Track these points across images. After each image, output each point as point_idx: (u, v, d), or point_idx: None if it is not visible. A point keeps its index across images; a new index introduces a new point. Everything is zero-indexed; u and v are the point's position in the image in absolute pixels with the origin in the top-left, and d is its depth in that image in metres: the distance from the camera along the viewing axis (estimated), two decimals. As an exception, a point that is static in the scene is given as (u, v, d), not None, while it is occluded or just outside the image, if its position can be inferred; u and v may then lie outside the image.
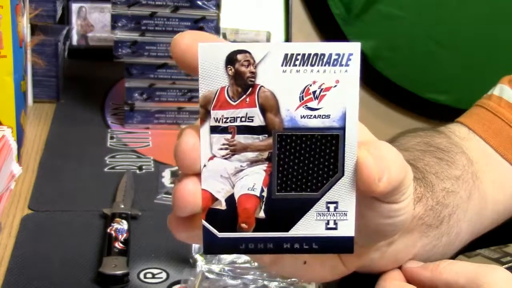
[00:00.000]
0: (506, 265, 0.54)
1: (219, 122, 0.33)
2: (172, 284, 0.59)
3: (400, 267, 0.50)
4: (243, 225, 0.35)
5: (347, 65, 0.33)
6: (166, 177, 0.78)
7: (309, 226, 0.35)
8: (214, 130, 0.33)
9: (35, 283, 0.57)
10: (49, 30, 1.00)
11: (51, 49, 0.97)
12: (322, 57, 0.33)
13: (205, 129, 0.33)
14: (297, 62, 0.33)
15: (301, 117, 0.33)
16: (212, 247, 0.35)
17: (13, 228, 0.66)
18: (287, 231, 0.35)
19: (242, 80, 0.33)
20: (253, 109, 0.33)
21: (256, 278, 0.56)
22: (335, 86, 0.33)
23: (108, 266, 0.58)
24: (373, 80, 1.54)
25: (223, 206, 0.34)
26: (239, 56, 0.33)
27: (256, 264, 0.57)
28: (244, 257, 0.57)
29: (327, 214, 0.35)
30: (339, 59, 0.33)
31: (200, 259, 0.56)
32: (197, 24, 0.89)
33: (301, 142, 0.34)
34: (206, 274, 0.56)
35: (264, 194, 0.34)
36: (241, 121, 0.33)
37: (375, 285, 0.49)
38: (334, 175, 0.34)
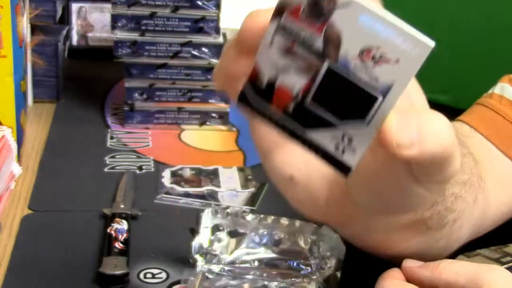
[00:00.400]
0: (506, 265, 0.54)
1: (287, 25, 0.36)
2: (172, 284, 0.59)
3: (399, 266, 0.50)
4: (274, 104, 0.38)
5: (413, 55, 0.34)
6: (166, 177, 0.78)
7: (323, 138, 0.38)
8: (279, 28, 0.36)
9: (35, 283, 0.57)
10: (49, 30, 1.00)
11: (51, 49, 0.97)
12: (396, 34, 0.34)
13: (274, 23, 0.36)
14: (373, 23, 0.34)
15: (354, 66, 0.35)
16: (244, 101, 0.39)
17: (13, 228, 0.66)
18: (307, 129, 0.38)
19: (319, 8, 0.35)
20: (317, 36, 0.36)
21: (256, 278, 0.56)
22: (395, 63, 0.34)
23: (108, 266, 0.58)
24: (373, 80, 1.53)
25: (263, 85, 0.38)
26: None
27: (256, 264, 0.57)
28: (244, 257, 0.57)
29: (340, 141, 0.37)
30: (410, 46, 0.34)
31: (200, 259, 0.56)
32: (197, 24, 0.89)
33: (344, 84, 0.36)
34: (206, 274, 0.56)
35: (299, 98, 0.37)
36: (303, 37, 0.36)
37: (375, 284, 0.49)
38: (359, 121, 0.36)
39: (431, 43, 0.33)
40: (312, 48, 0.36)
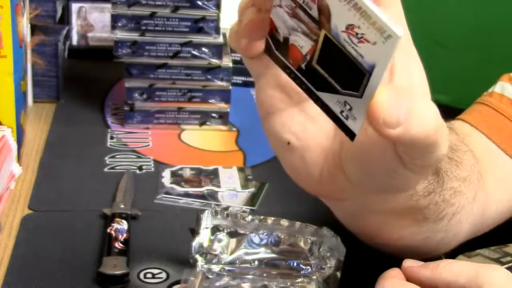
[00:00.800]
0: (506, 265, 0.54)
1: None
2: (172, 284, 0.59)
3: (398, 265, 0.50)
4: (291, 59, 0.40)
5: (384, 41, 0.34)
6: (166, 177, 0.78)
7: (330, 101, 0.39)
8: None
9: (35, 283, 0.57)
10: (49, 30, 1.00)
11: (51, 49, 0.97)
12: (370, 18, 0.34)
13: None
14: (354, 4, 0.35)
15: (343, 39, 0.36)
16: (269, 53, 0.42)
17: (13, 228, 0.66)
18: (317, 90, 0.40)
19: None
20: (313, 4, 0.37)
21: (256, 278, 0.56)
22: (373, 45, 0.35)
23: (108, 266, 0.58)
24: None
25: (281, 38, 0.41)
26: None
27: (256, 264, 0.57)
28: (244, 257, 0.57)
29: (343, 107, 0.38)
30: (381, 32, 0.34)
31: (200, 259, 0.56)
32: (197, 24, 0.89)
33: (339, 54, 0.37)
34: (206, 274, 0.56)
35: (307, 58, 0.39)
36: (303, 2, 0.38)
37: (375, 283, 0.49)
38: (355, 92, 0.37)
39: (399, 32, 0.34)
40: (311, 15, 0.38)
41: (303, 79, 0.40)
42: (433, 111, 0.38)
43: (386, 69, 0.35)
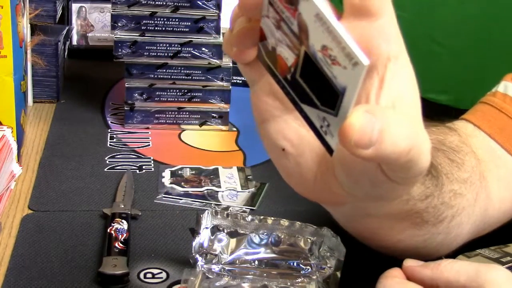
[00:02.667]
0: (506, 265, 0.54)
1: (274, 2, 0.39)
2: (172, 284, 0.59)
3: (399, 265, 0.50)
4: (279, 69, 0.41)
5: (352, 67, 0.34)
6: (166, 177, 0.78)
7: (312, 115, 0.39)
8: (270, 2, 0.39)
9: (35, 283, 0.57)
10: (49, 30, 1.00)
11: (51, 49, 0.97)
12: (340, 42, 0.35)
13: None
14: (326, 25, 0.35)
15: (319, 58, 0.36)
16: (260, 59, 0.43)
17: (13, 228, 0.66)
18: (301, 102, 0.40)
19: None
20: (294, 20, 0.37)
21: (256, 278, 0.56)
22: (343, 68, 0.35)
23: (108, 266, 0.58)
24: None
25: (270, 47, 0.41)
26: None
27: (256, 264, 0.57)
28: (244, 257, 0.57)
29: (322, 122, 0.39)
30: (349, 59, 0.34)
31: (200, 259, 0.56)
32: (197, 24, 0.89)
33: (317, 70, 0.37)
34: (206, 274, 0.56)
35: (292, 70, 0.40)
36: (286, 17, 0.38)
37: (376, 283, 0.49)
38: (331, 109, 0.37)
39: (365, 62, 0.34)
40: (292, 30, 0.38)
41: (289, 89, 0.41)
42: (407, 131, 0.39)
43: (355, 93, 0.35)
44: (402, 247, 0.54)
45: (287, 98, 0.42)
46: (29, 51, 0.93)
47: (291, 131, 0.47)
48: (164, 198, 0.73)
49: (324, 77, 0.37)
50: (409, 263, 0.50)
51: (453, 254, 0.57)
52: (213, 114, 0.93)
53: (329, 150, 0.39)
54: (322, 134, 0.39)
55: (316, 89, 0.38)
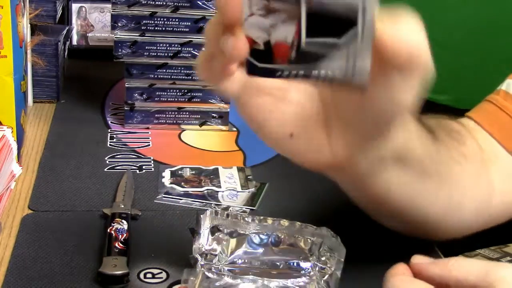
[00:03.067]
0: (506, 265, 0.54)
1: None
2: (172, 284, 0.59)
3: (408, 263, 0.50)
4: (278, 59, 0.42)
5: None
6: (166, 177, 0.78)
7: (332, 69, 0.41)
8: None
9: (35, 283, 0.57)
10: (49, 30, 1.00)
11: (51, 49, 0.97)
12: None
13: None
14: None
15: None
16: (254, 72, 0.43)
17: (13, 228, 0.66)
18: (315, 68, 0.41)
19: None
20: None
21: (256, 278, 0.56)
22: None
23: (108, 266, 0.58)
24: (373, 80, 1.53)
25: (261, 47, 0.42)
26: None
27: (256, 264, 0.57)
28: (244, 257, 0.57)
29: (346, 65, 0.41)
30: None
31: (200, 259, 0.56)
32: (197, 24, 0.89)
33: (328, 8, 0.39)
34: (206, 274, 0.56)
35: (295, 43, 0.41)
36: None
37: (384, 281, 0.49)
38: (354, 34, 0.39)
39: None
40: None
41: (298, 69, 0.42)
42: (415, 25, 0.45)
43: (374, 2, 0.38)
44: (403, 206, 0.55)
45: (296, 81, 0.43)
46: (29, 51, 0.93)
47: (292, 116, 0.49)
48: (164, 198, 0.73)
49: (335, 11, 0.39)
50: (416, 260, 0.50)
51: (453, 254, 0.57)
52: (213, 114, 0.93)
53: (362, 87, 0.41)
54: (348, 82, 0.41)
55: (331, 27, 0.40)
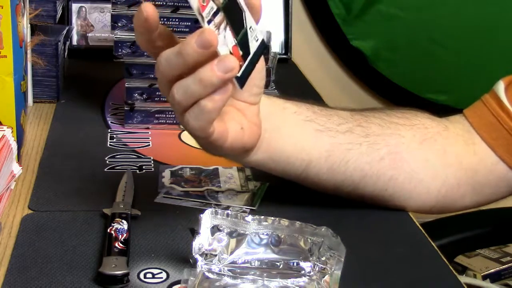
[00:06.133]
0: (506, 265, 0.54)
1: (208, 16, 0.56)
2: (172, 284, 0.59)
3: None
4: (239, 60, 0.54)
5: None
6: (166, 177, 0.78)
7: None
8: (209, 22, 0.56)
9: (35, 283, 0.57)
10: (49, 30, 1.00)
11: (51, 49, 0.97)
12: None
13: (206, 25, 0.56)
14: None
15: None
16: (242, 82, 0.54)
17: (13, 228, 0.66)
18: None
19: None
20: (211, 3, 0.55)
21: (256, 278, 0.56)
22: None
23: (108, 266, 0.58)
24: (373, 80, 1.53)
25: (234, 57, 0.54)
26: None
27: (256, 264, 0.57)
28: (244, 257, 0.57)
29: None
30: None
31: (200, 259, 0.56)
32: (197, 24, 0.89)
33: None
34: (206, 274, 0.56)
35: (235, 42, 0.54)
36: (210, 10, 0.55)
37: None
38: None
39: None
40: (215, 12, 0.55)
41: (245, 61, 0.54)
42: None
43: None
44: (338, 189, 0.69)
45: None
46: (29, 51, 0.93)
47: (236, 115, 0.60)
48: (164, 198, 0.73)
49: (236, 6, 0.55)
50: None
51: (453, 254, 0.57)
52: (213, 114, 0.93)
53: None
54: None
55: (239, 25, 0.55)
